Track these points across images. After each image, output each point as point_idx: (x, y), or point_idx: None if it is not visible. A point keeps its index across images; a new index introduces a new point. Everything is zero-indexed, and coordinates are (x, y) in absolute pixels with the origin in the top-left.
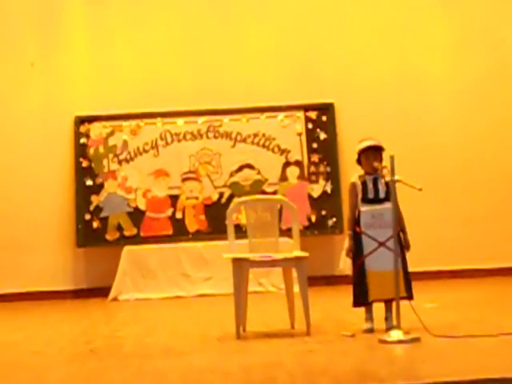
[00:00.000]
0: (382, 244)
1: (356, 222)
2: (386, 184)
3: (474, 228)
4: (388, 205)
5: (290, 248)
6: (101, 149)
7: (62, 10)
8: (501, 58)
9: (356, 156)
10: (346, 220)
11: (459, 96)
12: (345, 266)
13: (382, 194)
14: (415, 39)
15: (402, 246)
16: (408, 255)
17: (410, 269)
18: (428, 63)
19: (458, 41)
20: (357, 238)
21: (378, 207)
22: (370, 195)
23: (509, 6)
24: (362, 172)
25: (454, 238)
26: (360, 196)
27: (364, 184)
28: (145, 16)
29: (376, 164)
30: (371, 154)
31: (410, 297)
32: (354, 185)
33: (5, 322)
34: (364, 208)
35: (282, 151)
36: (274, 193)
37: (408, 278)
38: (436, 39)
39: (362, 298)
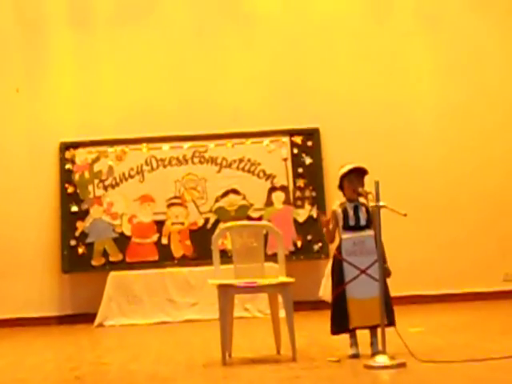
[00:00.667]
0: (363, 271)
1: (337, 248)
2: (367, 211)
3: (458, 252)
4: (369, 232)
5: (276, 273)
6: (86, 174)
7: (48, 35)
8: (484, 82)
9: (338, 182)
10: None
11: (443, 121)
12: (325, 293)
13: (362, 222)
14: (399, 65)
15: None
16: (390, 280)
17: (394, 293)
18: (412, 88)
19: (442, 66)
20: (338, 265)
21: (359, 234)
22: (351, 222)
23: (491, 30)
24: (343, 199)
25: (438, 262)
26: (341, 223)
27: (345, 211)
28: (130, 42)
29: (360, 189)
30: (355, 178)
31: (391, 323)
32: (334, 213)
33: None
34: (345, 235)
35: (268, 176)
36: (260, 218)
37: (389, 304)
38: (420, 64)
39: (341, 326)
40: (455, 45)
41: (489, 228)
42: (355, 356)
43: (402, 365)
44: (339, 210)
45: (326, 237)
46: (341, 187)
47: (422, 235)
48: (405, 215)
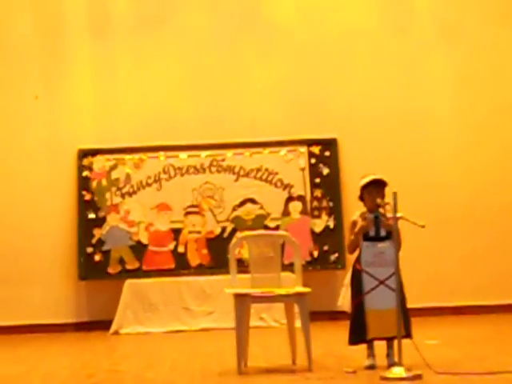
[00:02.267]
0: (382, 282)
1: (357, 259)
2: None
3: (475, 264)
4: (389, 243)
5: (292, 283)
6: (104, 182)
7: (67, 43)
8: (504, 95)
9: (358, 192)
10: (346, 246)
11: (462, 133)
12: (343, 303)
13: (382, 232)
14: (419, 75)
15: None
16: (407, 292)
17: (411, 305)
18: (432, 99)
19: (462, 78)
20: (357, 276)
21: (379, 245)
22: (372, 233)
23: (509, 37)
24: (364, 209)
25: (455, 274)
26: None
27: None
28: (149, 50)
29: (379, 200)
30: (374, 190)
31: (408, 335)
32: (354, 223)
33: (5, 354)
34: (365, 246)
35: (285, 186)
36: (277, 227)
37: (407, 316)
38: (440, 76)
39: (359, 336)
40: (476, 57)
41: (506, 240)
42: (371, 367)
43: (418, 377)
44: (360, 220)
45: (350, 246)
46: (361, 198)
47: (440, 247)
48: (423, 226)
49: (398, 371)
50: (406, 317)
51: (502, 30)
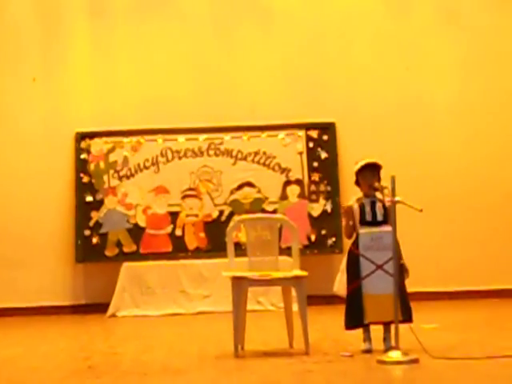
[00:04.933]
0: (379, 267)
1: (354, 243)
2: (384, 207)
3: (474, 250)
4: (386, 228)
5: (290, 267)
6: (101, 164)
7: (65, 25)
8: (503, 78)
9: (354, 178)
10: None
11: (461, 117)
12: (339, 288)
13: (379, 217)
14: (419, 60)
15: (401, 270)
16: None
17: (410, 289)
18: (432, 85)
19: (463, 64)
20: (355, 260)
21: (376, 230)
22: (368, 218)
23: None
24: (360, 194)
25: (454, 259)
26: (358, 219)
27: (362, 207)
28: (148, 33)
29: (376, 184)
30: (369, 174)
31: (408, 320)
32: (351, 208)
33: (3, 336)
34: (362, 230)
35: (283, 170)
36: (274, 211)
37: (406, 301)
38: (441, 61)
39: (356, 320)
40: (475, 41)
41: (505, 226)
42: (368, 351)
43: (415, 361)
44: (356, 206)
45: (345, 231)
46: (357, 183)
47: (438, 231)
48: (421, 211)
49: (394, 355)
50: (405, 302)
51: (502, 13)
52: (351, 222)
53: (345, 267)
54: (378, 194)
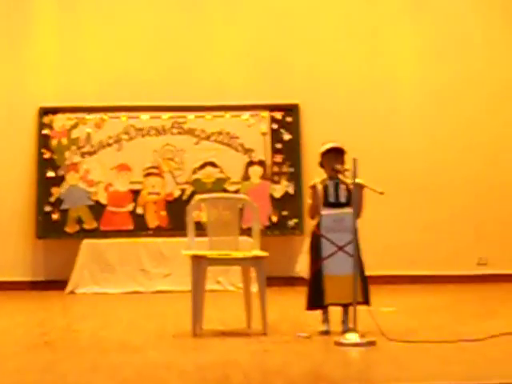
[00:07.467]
0: (340, 248)
1: (317, 225)
2: (348, 189)
3: (434, 234)
4: (349, 209)
5: (250, 247)
6: (64, 141)
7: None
8: (468, 66)
9: (319, 159)
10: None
11: (426, 103)
12: (301, 268)
13: (342, 199)
14: (384, 45)
15: (359, 251)
16: (365, 259)
17: (370, 273)
18: (396, 69)
19: (427, 47)
20: (316, 241)
21: (338, 211)
22: (331, 199)
23: (477, 15)
24: (324, 176)
25: (414, 243)
26: (321, 200)
27: (325, 188)
28: (113, 10)
29: (338, 166)
30: (333, 157)
31: (366, 302)
32: (315, 188)
33: None
34: (325, 212)
35: (246, 150)
36: (236, 192)
37: (365, 283)
38: (405, 45)
39: (316, 302)
40: (441, 27)
41: (466, 213)
42: (326, 332)
43: (372, 343)
44: (320, 186)
45: (309, 211)
46: (322, 165)
47: (400, 216)
48: (381, 193)
49: (352, 337)
50: (364, 284)
51: (468, 2)
52: (313, 202)
53: (308, 248)
54: (342, 177)
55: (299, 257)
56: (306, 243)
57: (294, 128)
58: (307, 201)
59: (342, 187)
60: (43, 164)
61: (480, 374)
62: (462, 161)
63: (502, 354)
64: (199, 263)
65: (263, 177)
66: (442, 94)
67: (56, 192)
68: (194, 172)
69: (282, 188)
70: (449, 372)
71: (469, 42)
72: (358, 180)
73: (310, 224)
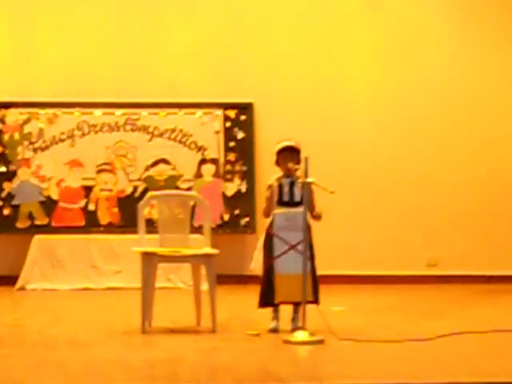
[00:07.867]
0: (292, 247)
1: (270, 223)
2: (302, 188)
3: (384, 235)
4: (302, 208)
5: (201, 245)
6: (16, 135)
7: None
8: (421, 66)
9: (275, 157)
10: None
11: (378, 103)
12: (256, 266)
13: (297, 198)
14: (337, 44)
15: (312, 251)
16: (316, 259)
17: (320, 272)
18: (349, 66)
19: (380, 43)
20: (269, 240)
21: (292, 210)
22: (286, 198)
23: (431, 16)
24: (280, 174)
25: (364, 243)
26: (275, 198)
27: (280, 187)
28: (67, 5)
29: (290, 165)
30: (288, 155)
31: (315, 301)
32: (270, 187)
33: None
34: (278, 211)
35: (199, 148)
36: (189, 189)
37: (316, 282)
38: (358, 45)
39: (267, 300)
40: (395, 28)
41: (415, 213)
42: (275, 330)
43: (321, 341)
44: (275, 184)
45: (265, 210)
46: (278, 164)
47: (350, 215)
48: (332, 192)
49: (301, 335)
50: (314, 283)
51: (424, 3)
52: (269, 201)
53: (262, 246)
54: (293, 174)
55: (254, 253)
56: (260, 240)
57: (248, 126)
58: (264, 200)
59: (298, 186)
60: None
61: (427, 373)
62: (412, 162)
63: (449, 354)
64: (149, 260)
65: (216, 175)
66: (396, 93)
67: (7, 187)
68: (147, 169)
69: (234, 186)
70: (396, 371)
71: (423, 42)
72: (309, 179)
73: (262, 222)
